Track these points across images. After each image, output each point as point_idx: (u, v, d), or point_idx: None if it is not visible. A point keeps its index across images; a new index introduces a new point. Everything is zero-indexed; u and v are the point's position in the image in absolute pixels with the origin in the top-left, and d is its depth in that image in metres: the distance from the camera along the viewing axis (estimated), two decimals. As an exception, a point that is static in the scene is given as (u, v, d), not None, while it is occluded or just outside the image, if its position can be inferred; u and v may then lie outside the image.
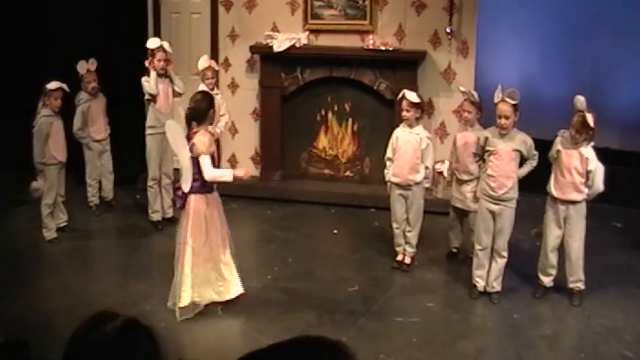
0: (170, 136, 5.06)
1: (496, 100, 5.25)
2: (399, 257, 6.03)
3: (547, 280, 5.51)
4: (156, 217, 6.95)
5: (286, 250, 6.42)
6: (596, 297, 5.48)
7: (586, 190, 5.24)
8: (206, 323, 5.12)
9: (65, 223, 6.73)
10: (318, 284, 5.75)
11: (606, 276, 5.82)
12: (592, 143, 5.20)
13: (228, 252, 5.19)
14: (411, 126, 5.79)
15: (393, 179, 5.88)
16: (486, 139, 5.33)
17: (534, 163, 5.40)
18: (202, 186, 5.01)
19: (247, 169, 5.08)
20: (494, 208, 5.32)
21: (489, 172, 5.32)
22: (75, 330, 1.60)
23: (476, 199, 5.62)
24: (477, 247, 5.46)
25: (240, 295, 5.22)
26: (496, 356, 4.79)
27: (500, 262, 5.42)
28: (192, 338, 4.97)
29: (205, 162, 4.91)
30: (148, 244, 6.63)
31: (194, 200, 5.01)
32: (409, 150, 5.78)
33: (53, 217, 6.59)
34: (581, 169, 5.19)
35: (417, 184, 5.83)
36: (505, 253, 5.40)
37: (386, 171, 5.95)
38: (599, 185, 5.24)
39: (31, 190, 6.47)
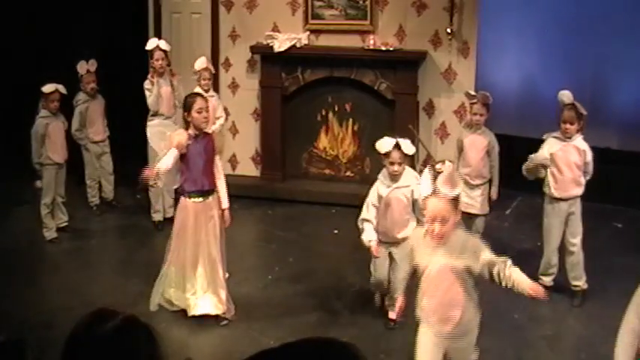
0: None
1: (425, 194, 3.53)
2: (391, 315, 5.06)
3: (548, 280, 5.50)
4: (157, 217, 6.93)
5: (287, 250, 6.42)
6: (597, 297, 5.46)
7: (584, 181, 5.31)
8: (207, 323, 5.12)
9: (66, 224, 6.74)
10: (319, 284, 5.75)
11: (607, 276, 5.80)
12: (582, 135, 5.27)
13: (203, 268, 5.03)
14: (397, 179, 4.78)
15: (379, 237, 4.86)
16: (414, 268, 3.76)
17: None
18: (190, 187, 4.97)
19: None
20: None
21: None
22: (74, 327, 1.60)
23: (489, 201, 5.54)
24: None
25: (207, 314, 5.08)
26: (496, 356, 4.77)
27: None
28: (193, 338, 4.98)
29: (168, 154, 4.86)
30: (149, 244, 6.62)
31: (181, 202, 5.06)
32: (397, 208, 4.84)
33: (53, 217, 6.60)
34: (580, 163, 5.24)
35: (405, 238, 4.70)
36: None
37: (363, 235, 4.82)
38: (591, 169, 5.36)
39: (35, 188, 6.55)
